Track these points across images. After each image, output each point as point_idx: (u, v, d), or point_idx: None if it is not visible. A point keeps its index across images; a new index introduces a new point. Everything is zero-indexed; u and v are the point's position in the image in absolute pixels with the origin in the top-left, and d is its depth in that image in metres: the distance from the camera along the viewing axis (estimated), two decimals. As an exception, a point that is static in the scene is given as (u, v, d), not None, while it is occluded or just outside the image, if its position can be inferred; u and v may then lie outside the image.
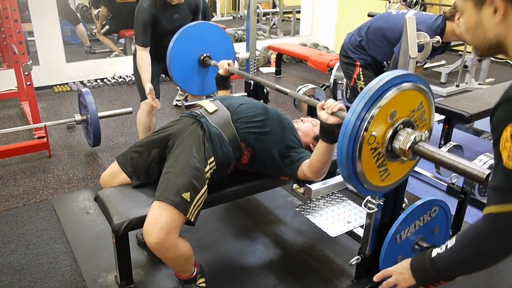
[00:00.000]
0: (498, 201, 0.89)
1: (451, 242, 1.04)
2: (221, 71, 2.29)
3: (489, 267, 0.99)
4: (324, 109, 1.55)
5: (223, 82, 2.34)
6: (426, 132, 1.34)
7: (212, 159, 1.75)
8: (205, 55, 2.57)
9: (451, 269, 1.06)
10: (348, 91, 3.27)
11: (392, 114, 1.28)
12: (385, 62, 2.64)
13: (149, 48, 2.72)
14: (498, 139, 0.88)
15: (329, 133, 1.57)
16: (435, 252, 1.07)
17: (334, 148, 1.61)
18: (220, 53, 2.58)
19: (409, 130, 1.31)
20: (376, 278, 1.30)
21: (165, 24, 2.73)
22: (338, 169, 2.52)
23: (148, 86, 2.64)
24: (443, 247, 1.06)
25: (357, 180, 1.33)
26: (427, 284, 1.11)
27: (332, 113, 1.52)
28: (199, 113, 1.89)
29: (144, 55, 2.70)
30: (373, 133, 1.26)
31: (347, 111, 1.32)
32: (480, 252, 0.97)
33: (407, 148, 1.28)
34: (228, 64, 2.28)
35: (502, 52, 0.98)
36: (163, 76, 3.09)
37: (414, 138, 1.28)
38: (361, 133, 1.23)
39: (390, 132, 1.29)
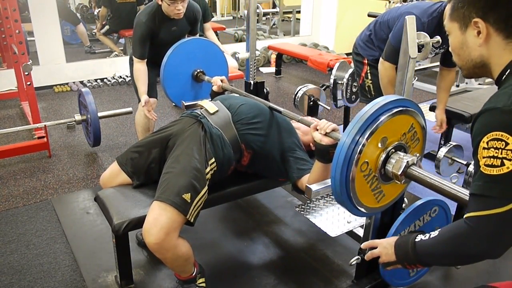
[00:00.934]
0: (479, 208, 0.93)
1: (434, 233, 1.08)
2: (214, 88, 2.30)
3: (463, 265, 1.03)
4: (317, 129, 1.57)
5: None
6: (418, 154, 1.35)
7: (213, 160, 1.75)
8: (198, 70, 2.58)
9: (428, 258, 1.10)
10: (348, 91, 3.28)
11: (383, 140, 1.29)
12: None
13: (146, 60, 2.73)
14: (477, 148, 0.92)
15: (324, 153, 1.59)
16: (419, 237, 1.12)
17: (330, 166, 1.62)
18: (214, 68, 2.60)
19: (401, 154, 1.32)
20: (363, 245, 1.35)
21: (163, 36, 2.74)
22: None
23: (143, 98, 2.66)
24: (427, 235, 1.10)
25: (353, 205, 1.34)
26: (405, 263, 1.16)
27: (326, 134, 1.54)
28: (200, 113, 1.89)
29: (141, 67, 2.71)
30: (366, 160, 1.27)
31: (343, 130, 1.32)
32: (458, 251, 1.00)
33: (399, 173, 1.29)
34: (221, 80, 2.29)
35: (487, 74, 1.03)
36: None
37: (406, 163, 1.29)
38: (354, 161, 1.25)
39: (382, 157, 1.31)
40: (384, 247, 1.22)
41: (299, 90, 2.92)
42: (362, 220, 1.96)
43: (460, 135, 3.43)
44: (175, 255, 1.63)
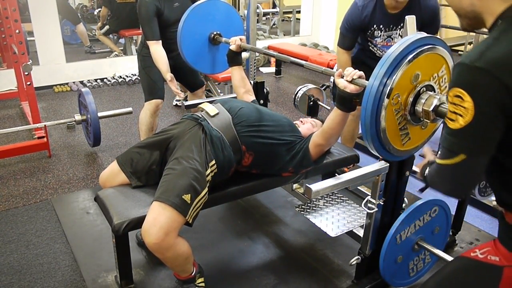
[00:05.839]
0: (439, 157, 1.00)
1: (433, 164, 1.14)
2: (233, 47, 2.27)
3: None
4: (342, 77, 1.55)
5: (235, 58, 2.32)
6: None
7: (213, 162, 1.75)
8: (215, 32, 2.54)
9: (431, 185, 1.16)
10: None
11: (416, 76, 1.30)
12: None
13: (161, 41, 2.69)
14: (447, 99, 0.97)
15: (346, 101, 1.58)
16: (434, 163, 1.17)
17: (348, 116, 1.65)
18: (230, 30, 2.56)
19: (431, 93, 1.33)
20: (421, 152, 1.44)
21: (167, 15, 2.71)
22: (338, 169, 2.52)
23: (168, 75, 2.63)
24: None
25: (379, 142, 1.35)
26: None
27: (352, 81, 1.52)
28: (200, 116, 1.89)
29: (158, 48, 2.67)
30: (397, 93, 1.29)
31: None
32: (436, 187, 1.08)
33: (431, 110, 1.29)
34: (240, 39, 2.27)
35: (481, 25, 1.03)
36: None
37: (438, 100, 1.29)
38: (386, 92, 1.26)
39: (413, 94, 1.32)
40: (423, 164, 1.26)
41: (299, 90, 2.92)
42: (362, 220, 1.96)
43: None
44: (174, 255, 1.63)
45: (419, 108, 1.33)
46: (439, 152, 1.06)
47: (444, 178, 1.01)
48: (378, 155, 1.44)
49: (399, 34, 2.47)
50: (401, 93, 1.30)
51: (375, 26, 2.43)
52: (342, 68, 2.44)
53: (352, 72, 1.53)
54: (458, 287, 1.09)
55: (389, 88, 1.27)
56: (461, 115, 0.90)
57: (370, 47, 2.59)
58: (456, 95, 0.90)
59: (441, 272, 1.16)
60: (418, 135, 1.46)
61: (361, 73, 1.53)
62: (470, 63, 0.88)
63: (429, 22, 2.36)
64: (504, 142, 0.92)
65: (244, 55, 2.53)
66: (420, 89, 1.33)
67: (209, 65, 2.63)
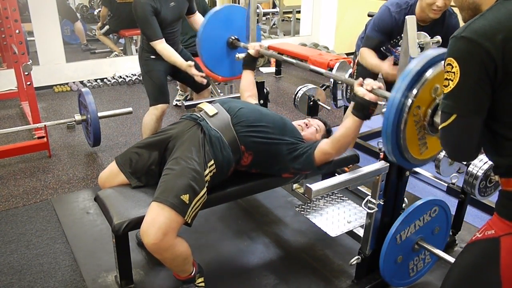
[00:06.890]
0: (440, 122, 1.08)
1: None
2: (251, 51, 2.33)
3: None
4: (362, 85, 1.62)
5: (251, 63, 2.39)
6: None
7: (212, 162, 1.75)
8: (233, 37, 2.58)
9: None
10: (349, 91, 3.27)
11: (435, 89, 1.37)
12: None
13: (164, 38, 2.69)
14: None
15: (364, 108, 1.63)
16: None
17: (362, 124, 1.69)
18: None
19: None
20: None
21: (164, 14, 2.70)
22: (338, 169, 2.51)
23: (187, 63, 2.65)
24: None
25: (399, 151, 1.42)
26: None
27: (371, 91, 1.59)
28: (199, 116, 1.89)
29: (164, 46, 2.69)
30: (418, 105, 1.36)
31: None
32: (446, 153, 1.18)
33: None
34: (260, 46, 2.33)
35: None
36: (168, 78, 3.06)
37: None
38: (408, 105, 1.34)
39: (432, 106, 1.39)
40: None
41: (299, 90, 2.92)
42: (362, 220, 1.96)
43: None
44: (173, 255, 1.63)
45: (437, 119, 1.38)
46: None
47: (446, 141, 1.09)
48: (397, 163, 1.49)
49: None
50: (421, 105, 1.37)
51: (403, 35, 2.46)
52: (373, 65, 2.48)
53: (372, 83, 1.61)
54: (470, 271, 1.14)
55: (410, 100, 1.34)
56: (451, 80, 1.01)
57: (383, 51, 2.59)
58: (447, 64, 1.02)
59: (454, 264, 1.20)
60: (435, 144, 1.52)
61: (381, 84, 1.60)
62: (457, 35, 1.01)
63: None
64: (492, 108, 1.01)
65: (243, 55, 2.53)
66: (439, 101, 1.38)
67: (227, 69, 2.68)
